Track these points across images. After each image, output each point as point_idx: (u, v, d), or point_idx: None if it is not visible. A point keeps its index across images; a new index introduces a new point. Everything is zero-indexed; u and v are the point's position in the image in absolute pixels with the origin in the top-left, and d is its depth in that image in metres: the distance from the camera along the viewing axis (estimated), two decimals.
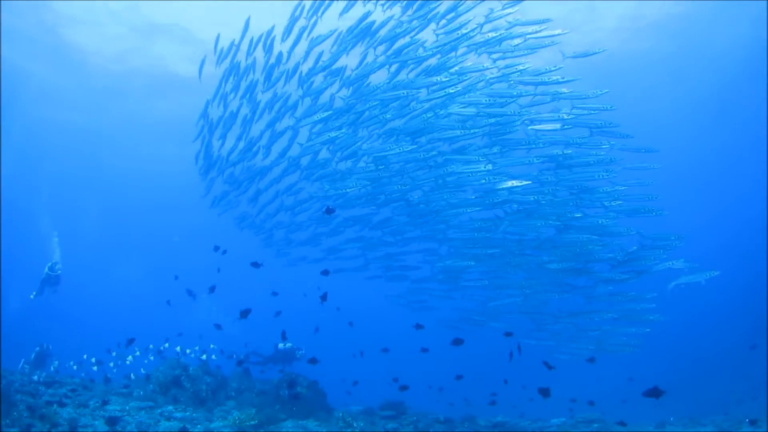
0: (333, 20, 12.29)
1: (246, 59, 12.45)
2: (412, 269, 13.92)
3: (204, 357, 11.61)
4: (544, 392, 8.38)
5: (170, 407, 10.89)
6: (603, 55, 13.37)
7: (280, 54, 12.10)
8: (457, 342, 12.03)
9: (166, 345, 12.31)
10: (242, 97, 12.31)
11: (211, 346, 12.47)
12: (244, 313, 11.85)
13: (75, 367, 12.04)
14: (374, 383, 13.80)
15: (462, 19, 11.53)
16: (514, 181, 11.50)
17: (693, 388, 15.50)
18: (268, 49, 12.27)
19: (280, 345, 13.10)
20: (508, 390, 13.81)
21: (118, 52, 19.44)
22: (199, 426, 10.21)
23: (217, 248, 12.55)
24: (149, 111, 19.00)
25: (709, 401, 15.01)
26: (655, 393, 6.53)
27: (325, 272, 10.58)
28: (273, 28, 12.38)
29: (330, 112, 11.77)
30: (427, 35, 11.96)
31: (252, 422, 10.31)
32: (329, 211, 10.33)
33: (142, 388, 11.26)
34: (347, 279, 14.46)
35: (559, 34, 10.77)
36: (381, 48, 11.80)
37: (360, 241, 12.87)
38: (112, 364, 12.23)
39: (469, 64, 11.51)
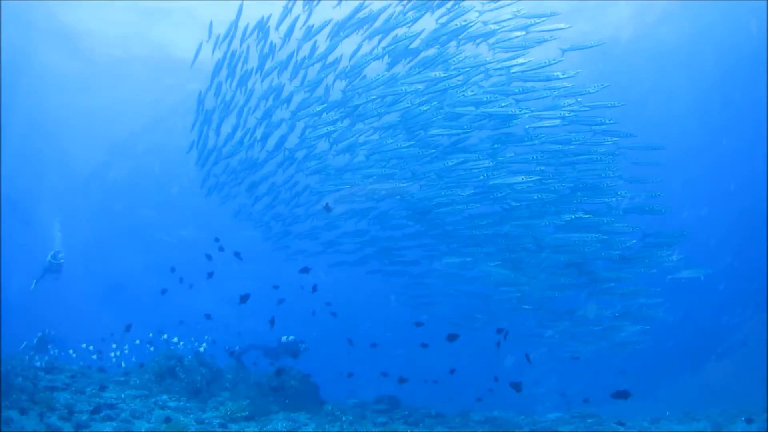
0: (329, 8, 12.42)
1: (240, 47, 12.63)
2: (412, 264, 14.16)
3: (202, 349, 12.10)
4: (517, 387, 8.85)
5: (165, 396, 11.44)
6: (616, 43, 13.37)
7: (272, 44, 12.27)
8: (452, 337, 12.39)
9: (165, 336, 12.82)
10: (237, 87, 12.55)
11: (206, 337, 12.96)
12: (244, 298, 12.37)
13: (74, 355, 12.65)
14: (373, 377, 14.21)
15: (462, 6, 11.59)
16: (518, 177, 11.63)
17: (688, 381, 15.71)
18: (262, 38, 12.45)
19: (284, 338, 13.43)
20: (505, 385, 14.15)
21: (120, 37, 19.82)
22: (191, 416, 10.73)
23: (217, 239, 13.00)
24: (153, 96, 19.43)
25: (704, 395, 15.19)
26: (623, 395, 6.96)
27: (305, 270, 10.97)
28: (269, 17, 12.53)
29: (325, 105, 11.97)
30: (427, 23, 12.04)
31: (243, 413, 10.79)
32: (328, 208, 10.65)
33: (138, 377, 11.83)
34: (348, 273, 14.79)
35: (561, 29, 10.75)
36: (376, 39, 11.88)
37: (359, 236, 13.11)
38: (113, 354, 12.80)
39: (467, 54, 11.57)
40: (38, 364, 12.51)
